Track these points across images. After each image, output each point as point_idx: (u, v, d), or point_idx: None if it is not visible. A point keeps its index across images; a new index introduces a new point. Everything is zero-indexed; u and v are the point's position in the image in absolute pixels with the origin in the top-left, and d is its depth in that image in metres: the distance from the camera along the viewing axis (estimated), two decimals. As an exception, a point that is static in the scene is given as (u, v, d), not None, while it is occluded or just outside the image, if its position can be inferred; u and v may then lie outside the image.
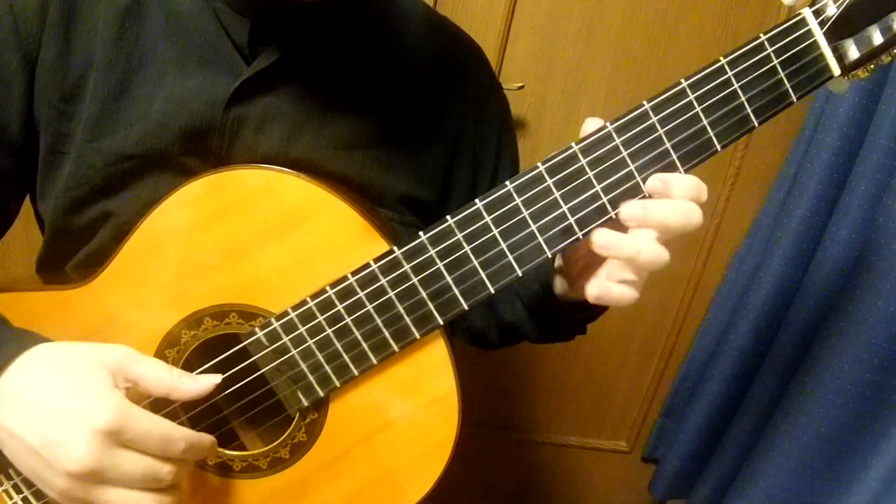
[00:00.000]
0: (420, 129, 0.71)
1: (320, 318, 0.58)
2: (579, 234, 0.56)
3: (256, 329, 0.59)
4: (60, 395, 0.49)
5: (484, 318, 0.79)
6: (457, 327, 0.83)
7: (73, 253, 0.67)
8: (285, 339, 0.59)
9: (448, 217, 0.56)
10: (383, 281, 0.57)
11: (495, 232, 0.56)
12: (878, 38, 0.52)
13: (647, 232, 0.53)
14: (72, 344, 0.54)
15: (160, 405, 0.58)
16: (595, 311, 0.65)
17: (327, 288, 0.58)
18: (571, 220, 0.56)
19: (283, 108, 0.64)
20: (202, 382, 0.56)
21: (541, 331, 0.74)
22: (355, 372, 0.60)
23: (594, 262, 0.57)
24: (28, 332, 0.55)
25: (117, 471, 0.49)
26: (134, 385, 0.53)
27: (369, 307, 0.58)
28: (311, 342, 0.59)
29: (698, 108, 0.54)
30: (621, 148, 0.54)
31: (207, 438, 0.56)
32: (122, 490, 0.50)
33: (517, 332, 0.76)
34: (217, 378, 0.57)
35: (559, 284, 0.64)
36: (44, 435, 0.49)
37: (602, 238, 0.53)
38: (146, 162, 0.63)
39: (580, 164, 0.55)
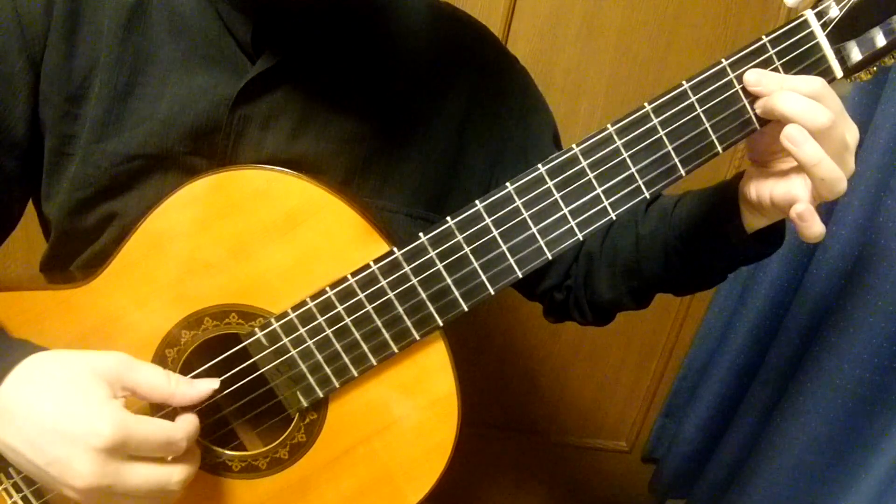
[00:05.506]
0: (424, 117, 0.70)
1: (320, 319, 0.58)
2: (580, 237, 0.56)
3: (256, 329, 0.59)
4: (58, 411, 0.49)
5: (613, 287, 0.74)
6: (572, 309, 0.79)
7: (79, 254, 0.67)
8: (285, 339, 0.59)
9: (448, 218, 0.56)
10: (383, 282, 0.57)
11: (496, 234, 0.56)
12: (881, 40, 0.52)
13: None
14: (66, 353, 0.53)
15: (159, 406, 0.58)
16: (772, 244, 0.64)
17: (327, 289, 0.58)
18: (573, 223, 0.56)
19: (289, 106, 0.64)
20: (200, 388, 0.56)
21: (692, 281, 0.72)
22: (355, 373, 0.60)
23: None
24: (22, 341, 0.55)
25: (125, 484, 0.50)
26: (132, 393, 0.53)
27: (369, 308, 0.58)
28: (310, 343, 0.59)
29: (700, 110, 0.53)
30: (622, 150, 0.54)
31: (194, 420, 0.57)
32: (133, 501, 0.51)
33: (665, 287, 0.73)
34: (215, 383, 0.57)
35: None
36: (46, 453, 0.49)
37: (793, 132, 0.52)
38: (152, 162, 0.63)
39: (581, 165, 0.55)
